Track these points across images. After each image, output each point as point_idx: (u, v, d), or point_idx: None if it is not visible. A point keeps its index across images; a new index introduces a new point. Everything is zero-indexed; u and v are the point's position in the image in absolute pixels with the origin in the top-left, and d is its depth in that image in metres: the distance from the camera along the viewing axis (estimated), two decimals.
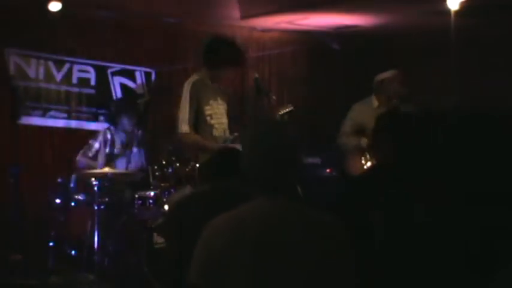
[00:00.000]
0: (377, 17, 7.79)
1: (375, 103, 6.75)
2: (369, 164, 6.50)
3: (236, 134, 6.11)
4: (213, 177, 3.77)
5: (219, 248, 2.60)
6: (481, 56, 7.88)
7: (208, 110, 5.97)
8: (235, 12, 7.69)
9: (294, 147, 2.72)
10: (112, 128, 7.15)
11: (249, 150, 2.76)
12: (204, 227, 2.69)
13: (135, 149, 7.17)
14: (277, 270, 2.54)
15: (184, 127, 5.83)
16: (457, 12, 6.77)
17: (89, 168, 6.81)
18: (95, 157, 7.03)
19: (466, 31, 7.08)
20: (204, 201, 3.57)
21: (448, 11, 6.75)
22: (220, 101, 6.10)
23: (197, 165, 5.95)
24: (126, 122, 7.10)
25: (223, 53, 5.97)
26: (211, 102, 5.99)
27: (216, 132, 6.01)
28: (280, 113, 6.20)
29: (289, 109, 6.24)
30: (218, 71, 5.98)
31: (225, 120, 6.14)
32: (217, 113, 6.06)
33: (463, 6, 6.69)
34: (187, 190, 6.00)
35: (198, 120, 5.94)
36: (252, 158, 2.72)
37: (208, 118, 5.98)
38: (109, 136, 7.10)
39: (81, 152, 7.15)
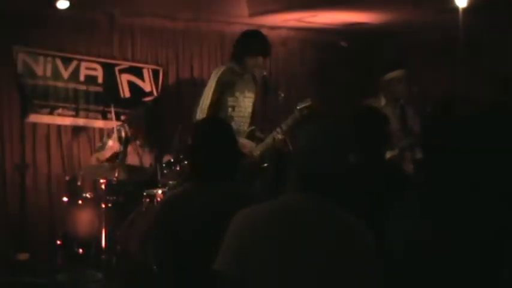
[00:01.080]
0: (385, 15, 7.76)
1: (383, 101, 6.72)
2: None
3: (253, 127, 6.16)
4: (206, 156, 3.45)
5: (248, 238, 2.61)
6: (487, 53, 7.84)
7: (231, 101, 6.03)
8: (244, 10, 7.67)
9: (343, 149, 2.75)
10: (125, 125, 7.17)
11: (300, 145, 2.79)
12: (236, 216, 2.70)
13: (146, 147, 7.18)
14: (305, 266, 2.55)
15: (202, 114, 5.89)
16: (465, 10, 6.73)
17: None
18: (109, 155, 7.02)
19: (474, 28, 7.05)
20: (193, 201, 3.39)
21: (457, 8, 6.71)
22: (247, 94, 6.16)
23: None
24: (139, 121, 7.14)
25: (256, 43, 6.10)
26: (237, 94, 6.06)
27: (234, 125, 6.00)
28: (298, 108, 6.22)
29: (308, 104, 6.26)
30: (250, 60, 6.06)
31: (247, 114, 6.17)
32: (241, 105, 6.11)
33: (471, 4, 6.65)
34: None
35: (219, 110, 5.98)
36: (302, 153, 2.75)
37: (229, 109, 6.05)
38: (123, 134, 7.10)
39: (95, 150, 7.18)
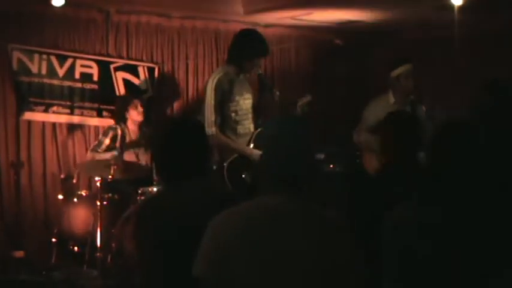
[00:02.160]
0: (380, 12, 7.77)
1: (391, 99, 6.66)
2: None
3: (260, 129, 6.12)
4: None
5: (226, 240, 2.60)
6: (483, 51, 7.86)
7: (232, 106, 5.93)
8: (238, 8, 7.67)
9: (309, 145, 2.75)
10: (122, 124, 7.16)
11: (267, 146, 2.78)
12: (212, 218, 2.68)
13: (142, 146, 7.18)
14: (282, 265, 2.55)
15: (210, 129, 5.71)
16: (460, 8, 6.74)
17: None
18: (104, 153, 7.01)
19: (469, 26, 7.06)
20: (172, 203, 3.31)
21: (452, 6, 6.72)
22: (246, 95, 6.05)
23: (224, 164, 5.90)
24: (135, 109, 7.14)
25: (255, 44, 5.98)
26: (236, 98, 5.95)
27: (240, 130, 5.99)
28: (299, 104, 6.20)
29: (308, 99, 6.25)
30: (249, 62, 5.95)
31: (250, 115, 6.12)
32: (243, 108, 6.01)
33: (466, 1, 6.66)
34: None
35: (223, 117, 5.90)
36: (269, 154, 2.74)
37: (233, 115, 5.94)
38: (119, 132, 7.10)
39: (91, 148, 7.16)
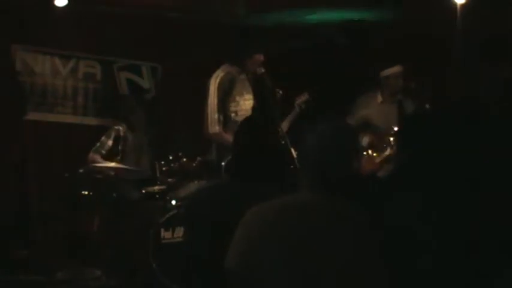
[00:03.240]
0: (383, 11, 7.76)
1: (379, 98, 6.71)
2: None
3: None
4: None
5: (256, 234, 2.63)
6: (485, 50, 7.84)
7: (233, 106, 5.97)
8: (242, 7, 7.67)
9: (348, 148, 2.79)
10: (124, 125, 7.16)
11: (306, 147, 2.81)
12: (246, 214, 2.72)
13: (145, 146, 7.17)
14: (310, 261, 2.55)
15: (214, 128, 5.81)
16: (463, 6, 6.74)
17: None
18: (107, 154, 7.00)
19: (472, 25, 7.04)
20: (219, 196, 3.43)
21: (455, 4, 6.72)
22: (246, 96, 6.10)
23: (222, 163, 5.92)
24: (137, 119, 7.13)
25: (254, 42, 6.05)
26: (237, 98, 6.00)
27: None
28: (297, 103, 6.24)
29: (305, 98, 6.28)
30: (249, 60, 5.98)
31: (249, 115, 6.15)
32: (242, 109, 6.05)
33: (468, 1, 6.66)
34: (192, 186, 6.00)
35: (224, 116, 5.94)
36: (307, 153, 2.79)
37: (233, 115, 5.98)
38: (122, 133, 7.10)
39: (93, 149, 7.15)
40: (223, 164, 5.89)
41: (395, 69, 6.67)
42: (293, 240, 2.59)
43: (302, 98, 6.38)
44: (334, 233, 2.61)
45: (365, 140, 6.47)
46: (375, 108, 6.62)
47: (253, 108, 6.14)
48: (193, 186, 6.19)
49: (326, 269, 2.55)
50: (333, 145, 2.75)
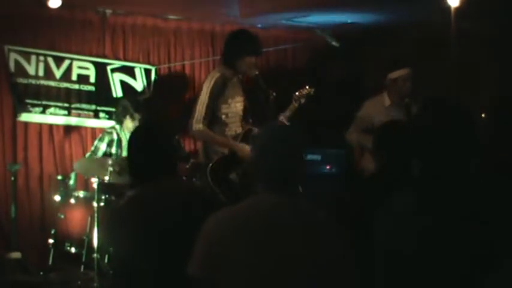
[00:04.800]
0: (377, 14, 7.77)
1: (387, 101, 6.67)
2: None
3: (249, 128, 6.16)
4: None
5: (220, 241, 2.63)
6: (480, 53, 7.86)
7: (224, 108, 6.02)
8: (236, 10, 7.67)
9: (299, 149, 2.82)
10: (117, 127, 7.14)
11: (259, 150, 2.84)
12: (208, 219, 2.72)
13: None
14: (276, 265, 2.56)
15: (198, 125, 5.89)
16: (457, 9, 6.74)
17: None
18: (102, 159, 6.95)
19: (466, 28, 7.05)
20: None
21: (449, 7, 6.72)
22: (237, 98, 6.15)
23: (210, 164, 5.94)
24: (131, 120, 7.10)
25: (247, 43, 6.05)
26: (229, 101, 6.05)
27: (228, 132, 6.08)
28: (297, 94, 6.27)
29: (307, 91, 6.31)
30: (241, 62, 6.02)
31: (239, 117, 6.18)
32: (233, 111, 6.10)
33: (463, 3, 6.65)
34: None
35: (213, 117, 5.98)
36: (261, 156, 2.80)
37: (223, 116, 6.04)
38: (115, 136, 7.08)
39: (87, 155, 7.11)
40: (208, 166, 5.93)
41: (403, 71, 6.60)
42: (257, 242, 2.60)
43: (303, 92, 6.39)
44: (299, 233, 2.62)
45: (370, 142, 6.44)
46: (382, 110, 6.57)
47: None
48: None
49: (291, 271, 2.56)
50: (289, 146, 2.79)
